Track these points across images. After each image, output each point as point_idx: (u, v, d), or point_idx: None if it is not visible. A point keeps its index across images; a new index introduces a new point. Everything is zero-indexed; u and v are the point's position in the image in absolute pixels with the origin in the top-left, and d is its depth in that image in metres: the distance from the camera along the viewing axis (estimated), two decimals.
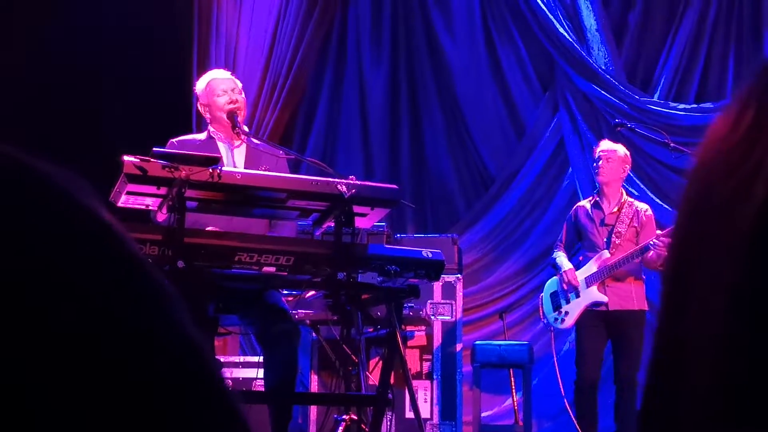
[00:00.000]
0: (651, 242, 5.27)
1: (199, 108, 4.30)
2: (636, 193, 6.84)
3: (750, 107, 0.56)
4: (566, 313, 5.54)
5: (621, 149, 5.58)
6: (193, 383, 0.46)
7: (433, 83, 7.96)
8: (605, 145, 5.61)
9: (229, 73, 4.41)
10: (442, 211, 7.88)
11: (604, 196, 5.53)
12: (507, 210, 7.71)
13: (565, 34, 7.53)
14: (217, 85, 4.17)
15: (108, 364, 0.43)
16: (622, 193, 5.55)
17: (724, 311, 0.52)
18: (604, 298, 5.40)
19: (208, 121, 4.23)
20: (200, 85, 4.27)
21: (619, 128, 5.84)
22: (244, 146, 4.15)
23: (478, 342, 6.36)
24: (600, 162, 5.51)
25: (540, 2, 7.57)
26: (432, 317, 5.85)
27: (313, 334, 5.28)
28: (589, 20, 7.53)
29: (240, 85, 4.27)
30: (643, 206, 5.58)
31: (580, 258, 5.62)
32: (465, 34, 7.91)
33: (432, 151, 7.96)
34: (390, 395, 3.70)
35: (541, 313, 5.75)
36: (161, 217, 3.41)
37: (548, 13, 7.55)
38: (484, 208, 7.78)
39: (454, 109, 7.91)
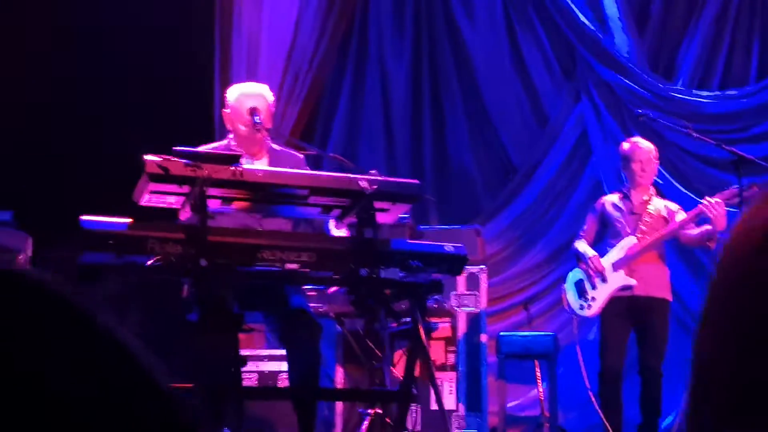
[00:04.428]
0: (704, 202, 5.23)
1: (224, 114, 4.23)
2: (661, 182, 6.79)
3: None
4: (593, 299, 5.53)
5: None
6: None
7: (454, 74, 7.93)
8: (650, 145, 5.60)
9: (265, 87, 4.30)
10: (464, 201, 7.85)
11: (634, 189, 5.53)
12: (530, 200, 7.68)
13: (587, 22, 7.47)
14: (245, 102, 4.07)
15: None
16: (650, 189, 5.63)
17: None
18: (633, 282, 5.40)
19: (229, 130, 4.18)
20: (231, 95, 4.18)
21: (641, 119, 5.83)
22: (265, 159, 4.11)
23: (502, 333, 6.34)
24: (657, 163, 5.57)
25: None
26: (456, 308, 5.85)
27: (338, 327, 5.30)
28: (611, 8, 7.46)
29: (271, 99, 4.20)
30: (668, 202, 5.67)
31: (608, 248, 5.61)
32: (486, 25, 7.87)
33: (454, 142, 7.93)
34: (414, 390, 3.71)
35: (564, 303, 5.74)
36: (184, 215, 3.43)
37: (569, 1, 7.50)
38: (506, 198, 7.76)
39: (475, 99, 7.88)
